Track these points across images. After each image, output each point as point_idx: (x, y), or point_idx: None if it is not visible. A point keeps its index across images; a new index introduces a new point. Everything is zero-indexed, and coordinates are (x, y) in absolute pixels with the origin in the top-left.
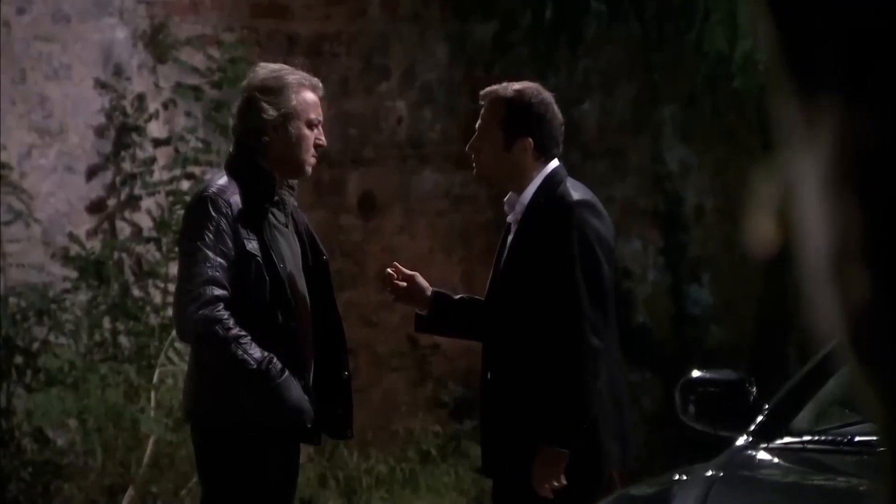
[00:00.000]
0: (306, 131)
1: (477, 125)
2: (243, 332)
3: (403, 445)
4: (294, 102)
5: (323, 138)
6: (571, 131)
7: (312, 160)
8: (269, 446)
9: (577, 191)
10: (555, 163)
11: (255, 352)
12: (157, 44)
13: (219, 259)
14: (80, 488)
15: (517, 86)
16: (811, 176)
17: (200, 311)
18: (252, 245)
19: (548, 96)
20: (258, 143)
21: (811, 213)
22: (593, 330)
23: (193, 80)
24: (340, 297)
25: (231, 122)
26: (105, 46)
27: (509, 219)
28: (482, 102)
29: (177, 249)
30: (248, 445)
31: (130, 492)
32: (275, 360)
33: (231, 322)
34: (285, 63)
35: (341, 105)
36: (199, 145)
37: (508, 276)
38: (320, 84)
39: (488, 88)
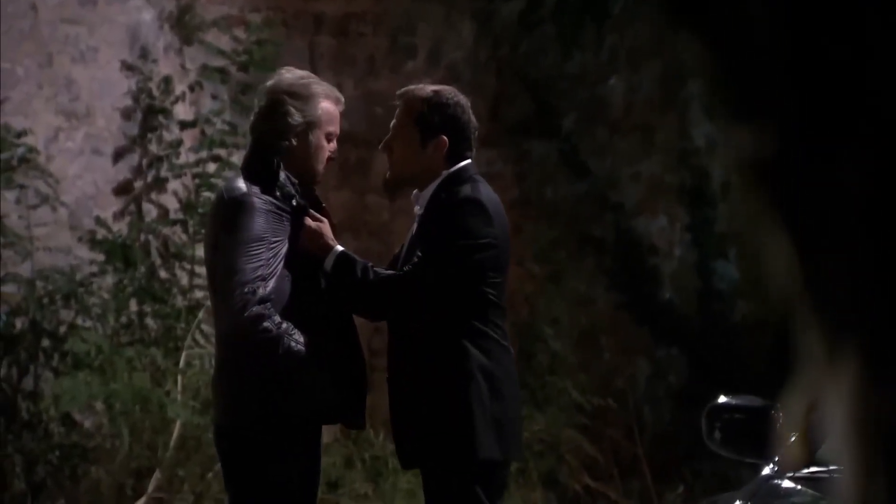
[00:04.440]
0: (324, 142)
1: (391, 125)
2: (289, 324)
3: None
4: (319, 112)
5: (335, 152)
6: (598, 108)
7: (322, 170)
8: (298, 442)
9: (474, 191)
10: (465, 162)
11: (303, 338)
12: (184, 25)
13: (267, 256)
14: (108, 471)
15: (434, 87)
16: (836, 409)
17: (254, 309)
18: (284, 242)
19: (463, 99)
20: (279, 147)
21: (839, 446)
22: (405, 294)
23: (220, 63)
24: None
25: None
26: (131, 28)
27: (416, 210)
28: (397, 102)
29: (202, 240)
30: (278, 445)
31: (157, 475)
32: (319, 344)
33: (278, 317)
34: (312, 43)
35: (367, 85)
36: (226, 128)
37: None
38: (342, 98)
39: (404, 88)
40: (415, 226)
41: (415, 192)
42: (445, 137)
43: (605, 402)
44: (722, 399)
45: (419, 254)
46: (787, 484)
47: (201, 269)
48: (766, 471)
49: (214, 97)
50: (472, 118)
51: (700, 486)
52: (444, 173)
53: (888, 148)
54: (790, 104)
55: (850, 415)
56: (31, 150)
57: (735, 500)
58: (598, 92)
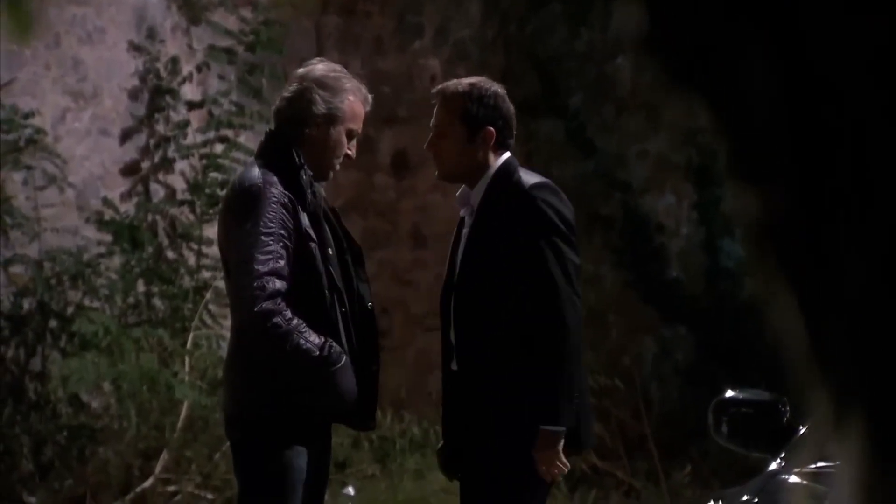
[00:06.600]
0: (344, 138)
1: (432, 124)
2: (301, 321)
3: (437, 408)
4: (345, 106)
5: (354, 151)
6: (605, 87)
7: (337, 167)
8: (306, 434)
9: (532, 177)
10: (507, 155)
11: (315, 338)
12: (191, 6)
13: (279, 249)
14: (115, 452)
15: (469, 80)
16: (843, 470)
17: (263, 305)
18: (297, 236)
19: (500, 88)
20: (299, 134)
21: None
22: (571, 308)
23: (227, 43)
24: (374, 256)
25: (276, 102)
26: (139, 9)
27: (463, 212)
28: (434, 101)
29: (209, 220)
30: (286, 435)
31: (165, 455)
32: (333, 344)
33: (289, 312)
34: (319, 23)
35: (375, 64)
36: (233, 108)
37: (471, 268)
38: (370, 99)
39: (439, 86)
40: (467, 229)
41: (460, 192)
42: (492, 128)
43: (612, 381)
44: (729, 393)
45: (540, 256)
46: (794, 479)
47: (208, 250)
48: (773, 466)
49: (221, 77)
50: (511, 105)
51: (708, 466)
52: (493, 167)
53: (890, 214)
54: (793, 169)
55: (856, 482)
56: (39, 131)
57: (742, 495)
58: (606, 70)
